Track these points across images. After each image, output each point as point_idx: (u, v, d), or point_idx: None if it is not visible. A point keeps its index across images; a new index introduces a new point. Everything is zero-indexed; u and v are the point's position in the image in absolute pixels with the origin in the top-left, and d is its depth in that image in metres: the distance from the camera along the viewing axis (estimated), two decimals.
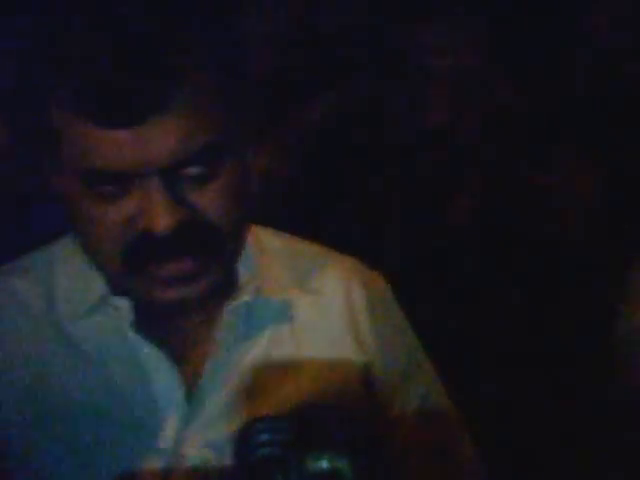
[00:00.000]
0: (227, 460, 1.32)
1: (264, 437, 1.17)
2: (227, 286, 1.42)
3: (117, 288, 1.37)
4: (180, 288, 1.31)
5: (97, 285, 1.38)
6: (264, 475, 1.09)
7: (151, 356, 1.37)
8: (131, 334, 1.36)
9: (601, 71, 2.45)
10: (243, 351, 1.41)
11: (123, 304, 1.36)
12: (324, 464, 1.09)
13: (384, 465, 1.17)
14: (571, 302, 2.25)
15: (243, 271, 1.43)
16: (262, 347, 1.42)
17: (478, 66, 2.38)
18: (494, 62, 2.42)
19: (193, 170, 1.27)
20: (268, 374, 1.42)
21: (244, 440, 1.18)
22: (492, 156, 2.37)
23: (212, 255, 1.32)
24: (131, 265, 1.29)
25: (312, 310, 1.47)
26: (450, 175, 2.35)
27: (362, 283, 1.52)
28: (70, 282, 1.42)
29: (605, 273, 2.17)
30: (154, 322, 1.38)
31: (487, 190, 2.33)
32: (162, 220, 1.25)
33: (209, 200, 1.29)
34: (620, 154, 2.37)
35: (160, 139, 1.23)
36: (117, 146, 1.23)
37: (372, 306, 1.50)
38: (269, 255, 1.46)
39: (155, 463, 1.34)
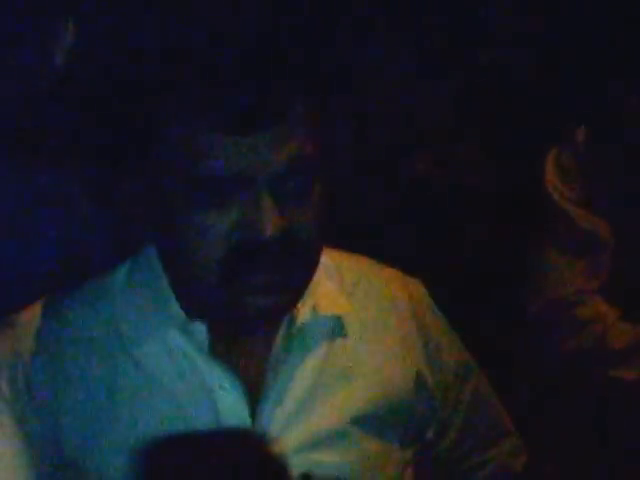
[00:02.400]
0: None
1: None
2: None
3: (193, 309, 1.42)
4: (270, 297, 1.34)
5: (167, 309, 1.43)
6: None
7: (219, 376, 1.42)
8: (199, 355, 1.42)
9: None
10: (299, 367, 1.45)
11: (199, 326, 1.42)
12: None
13: None
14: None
15: None
16: (317, 362, 1.47)
17: None
18: None
19: (297, 182, 1.33)
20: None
21: None
22: None
23: (302, 268, 1.37)
24: (226, 273, 1.32)
25: (362, 323, 1.52)
26: None
27: (406, 292, 1.58)
28: (135, 307, 1.45)
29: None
30: (220, 342, 1.44)
31: None
32: (270, 226, 1.29)
33: (305, 214, 1.34)
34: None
35: (278, 147, 1.30)
36: (239, 152, 1.28)
37: (417, 313, 1.57)
38: (319, 271, 1.46)
39: None
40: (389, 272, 1.61)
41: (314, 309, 1.46)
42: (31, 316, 1.48)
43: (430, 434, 1.58)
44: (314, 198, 1.35)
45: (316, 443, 1.45)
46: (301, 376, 1.45)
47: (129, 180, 1.40)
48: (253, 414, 1.42)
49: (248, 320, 1.39)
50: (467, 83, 2.68)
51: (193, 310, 1.42)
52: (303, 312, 1.45)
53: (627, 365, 2.18)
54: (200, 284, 1.35)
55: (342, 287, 1.52)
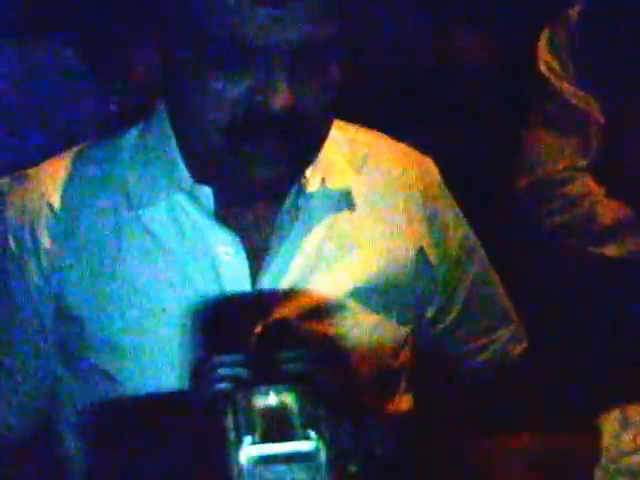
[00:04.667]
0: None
1: (220, 372, 1.16)
2: None
3: (200, 174, 1.43)
4: (273, 169, 1.36)
5: (175, 172, 1.44)
6: (215, 412, 1.08)
7: (223, 241, 1.44)
8: (204, 219, 1.43)
9: None
10: (304, 238, 1.47)
11: (205, 190, 1.43)
12: (270, 400, 1.08)
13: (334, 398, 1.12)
14: None
15: None
16: (322, 233, 1.49)
17: None
18: None
19: (314, 60, 1.32)
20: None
21: (200, 374, 1.17)
22: None
23: (307, 145, 1.38)
24: (232, 140, 1.33)
25: (369, 196, 1.53)
26: None
27: (416, 168, 1.59)
28: (143, 170, 1.46)
29: None
30: (226, 207, 1.45)
31: None
32: (281, 97, 1.29)
33: (318, 94, 1.34)
34: None
35: (301, 20, 1.29)
36: (261, 22, 1.28)
37: (426, 190, 1.58)
38: (330, 144, 1.47)
39: None
40: (401, 148, 1.61)
41: (323, 182, 1.47)
42: (41, 172, 1.49)
43: (430, 313, 1.60)
44: (329, 80, 1.34)
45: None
46: (304, 246, 1.47)
47: (142, 46, 1.41)
48: (254, 280, 1.45)
49: (251, 190, 1.41)
50: None
51: (200, 175, 1.43)
52: (312, 183, 1.46)
53: (613, 242, 2.22)
54: (206, 149, 1.36)
55: (352, 160, 1.53)
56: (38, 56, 2.20)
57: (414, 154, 1.62)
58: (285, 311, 1.44)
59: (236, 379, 1.15)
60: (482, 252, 1.67)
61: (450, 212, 1.61)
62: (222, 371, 1.16)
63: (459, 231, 1.62)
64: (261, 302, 1.45)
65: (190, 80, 1.32)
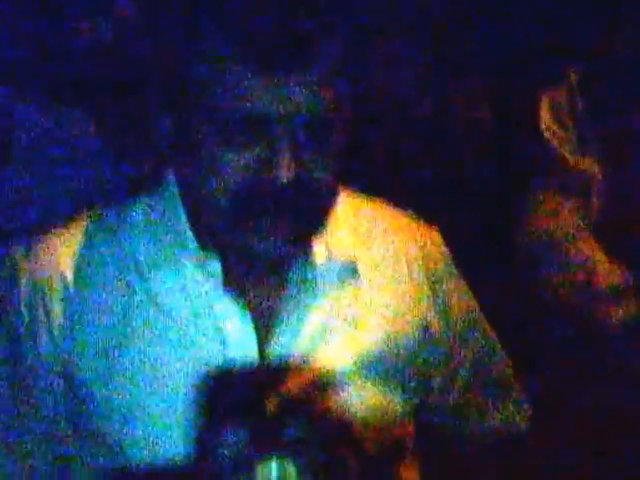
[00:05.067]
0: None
1: (223, 438, 1.18)
2: None
3: (207, 244, 1.44)
4: (277, 244, 1.36)
5: (183, 242, 1.45)
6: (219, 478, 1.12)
7: (231, 314, 1.45)
8: (213, 291, 1.44)
9: None
10: (311, 311, 1.48)
11: (214, 263, 1.44)
12: (272, 470, 1.13)
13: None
14: None
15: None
16: (328, 306, 1.49)
17: None
18: None
19: (317, 130, 1.34)
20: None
21: (205, 440, 1.19)
22: None
23: (313, 218, 1.40)
24: (240, 211, 1.35)
25: (373, 269, 1.53)
26: None
27: (420, 240, 1.59)
28: (153, 241, 1.47)
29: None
30: (234, 278, 1.46)
31: None
32: (285, 169, 1.31)
33: (322, 163, 1.35)
34: None
35: (304, 91, 1.31)
36: (263, 92, 1.30)
37: (429, 262, 1.58)
38: (336, 215, 1.48)
39: None
40: (405, 219, 1.62)
41: (329, 254, 1.48)
42: (53, 240, 1.50)
43: (435, 384, 1.59)
44: (333, 148, 1.36)
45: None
46: (311, 319, 1.47)
47: (155, 116, 1.42)
48: (262, 351, 1.45)
49: (257, 262, 1.43)
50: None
51: (208, 245, 1.44)
52: (318, 256, 1.47)
53: (613, 303, 2.23)
54: (213, 219, 1.38)
55: (357, 231, 1.54)
56: (56, 120, 2.26)
57: (419, 224, 1.62)
58: (291, 384, 1.44)
59: (239, 452, 1.17)
60: (484, 321, 1.67)
61: (453, 283, 1.62)
62: (225, 437, 1.18)
63: (463, 302, 1.62)
64: (267, 374, 1.44)
65: (198, 150, 1.35)
